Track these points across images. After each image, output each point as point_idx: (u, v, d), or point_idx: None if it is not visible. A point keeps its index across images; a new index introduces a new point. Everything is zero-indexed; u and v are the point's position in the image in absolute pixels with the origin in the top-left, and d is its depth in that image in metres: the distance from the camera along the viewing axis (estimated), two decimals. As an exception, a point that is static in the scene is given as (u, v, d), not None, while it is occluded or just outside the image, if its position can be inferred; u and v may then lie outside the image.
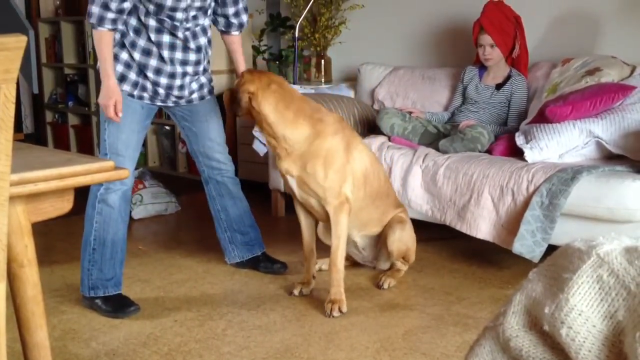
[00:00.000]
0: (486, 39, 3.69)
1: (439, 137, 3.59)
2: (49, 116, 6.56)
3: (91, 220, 2.80)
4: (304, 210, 2.95)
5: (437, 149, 3.47)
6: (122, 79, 2.80)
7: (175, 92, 2.88)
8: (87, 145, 6.12)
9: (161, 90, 2.85)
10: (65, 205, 1.55)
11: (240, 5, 3.00)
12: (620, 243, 0.90)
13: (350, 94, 4.46)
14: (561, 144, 3.13)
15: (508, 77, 3.75)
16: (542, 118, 3.20)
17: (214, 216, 3.22)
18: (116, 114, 2.71)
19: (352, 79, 4.68)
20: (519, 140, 3.25)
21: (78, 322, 2.70)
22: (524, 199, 2.97)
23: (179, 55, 2.82)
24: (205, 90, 3.01)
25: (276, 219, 4.17)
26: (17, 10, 1.91)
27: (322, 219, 2.94)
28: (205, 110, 3.03)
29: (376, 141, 3.60)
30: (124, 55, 2.79)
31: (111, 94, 2.70)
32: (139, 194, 4.22)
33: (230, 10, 2.99)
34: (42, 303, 1.53)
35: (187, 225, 4.19)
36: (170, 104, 2.93)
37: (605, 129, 3.09)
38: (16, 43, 1.12)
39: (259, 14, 5.12)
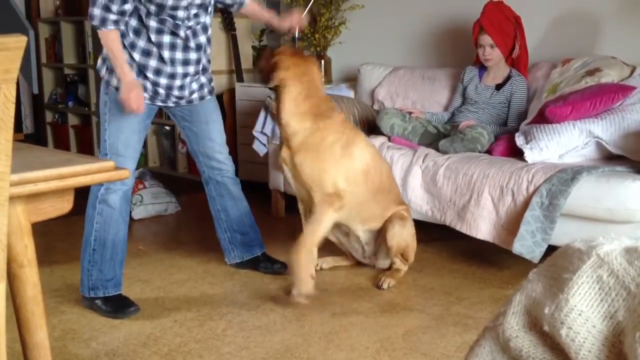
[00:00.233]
0: (486, 39, 3.69)
1: (438, 137, 3.59)
2: (49, 116, 6.55)
3: (92, 221, 2.80)
4: (305, 208, 2.97)
5: (437, 150, 3.47)
6: (122, 79, 2.80)
7: (176, 93, 2.88)
8: (87, 146, 6.12)
9: (161, 91, 2.84)
10: (65, 205, 1.55)
11: None
12: (620, 243, 0.90)
13: (350, 94, 4.46)
14: (561, 145, 3.13)
15: (508, 78, 3.75)
16: (542, 118, 3.20)
17: (214, 216, 3.22)
18: (136, 107, 2.69)
19: (352, 79, 4.67)
20: (519, 140, 3.25)
21: (78, 323, 2.70)
22: (524, 200, 2.97)
23: (179, 55, 2.81)
24: (206, 90, 3.01)
25: (276, 219, 4.17)
26: (17, 10, 1.91)
27: None
28: (206, 111, 3.03)
29: (376, 141, 3.60)
30: (124, 56, 2.78)
31: (131, 87, 2.67)
32: (139, 194, 4.22)
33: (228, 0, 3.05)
34: (42, 303, 1.53)
35: (187, 226, 4.18)
36: (170, 104, 2.93)
37: (605, 129, 3.09)
38: (16, 43, 1.12)
39: (259, 14, 5.12)
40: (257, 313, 2.77)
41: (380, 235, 3.09)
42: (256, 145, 4.15)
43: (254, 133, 4.13)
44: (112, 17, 2.63)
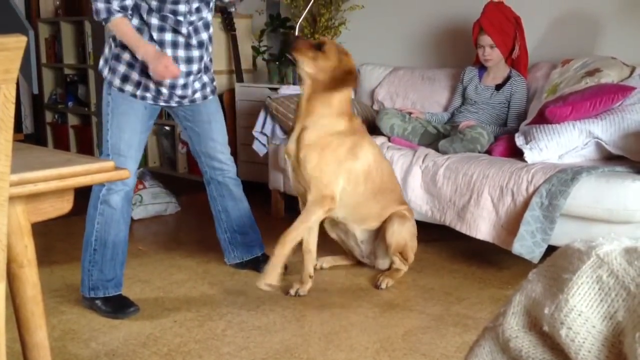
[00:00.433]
0: (486, 39, 3.69)
1: (438, 137, 3.60)
2: (48, 116, 6.56)
3: (93, 221, 2.79)
4: (304, 204, 2.98)
5: (437, 150, 3.47)
6: (124, 79, 2.78)
7: (179, 92, 2.87)
8: (87, 146, 6.12)
9: (164, 90, 2.83)
10: (65, 205, 1.54)
11: None
12: (620, 244, 0.90)
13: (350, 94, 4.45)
14: (561, 145, 3.13)
15: (508, 78, 3.75)
16: (542, 119, 3.20)
17: (214, 217, 3.22)
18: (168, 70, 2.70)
19: (352, 80, 4.67)
20: (519, 140, 3.25)
21: (78, 323, 2.70)
22: (524, 200, 2.97)
23: (181, 53, 2.80)
24: (208, 89, 3.00)
25: (276, 219, 4.17)
26: (17, 10, 1.90)
27: None
28: (208, 110, 3.03)
29: (376, 142, 3.60)
30: (126, 56, 2.78)
31: (159, 58, 2.67)
32: (139, 195, 4.22)
33: None
34: (42, 303, 1.53)
35: (187, 226, 4.18)
36: (173, 104, 2.92)
37: (604, 129, 3.09)
38: (16, 43, 1.12)
39: (259, 14, 5.12)
40: (256, 313, 2.77)
41: (379, 235, 3.10)
42: (256, 146, 4.15)
43: (254, 133, 4.13)
44: (116, 5, 2.63)
